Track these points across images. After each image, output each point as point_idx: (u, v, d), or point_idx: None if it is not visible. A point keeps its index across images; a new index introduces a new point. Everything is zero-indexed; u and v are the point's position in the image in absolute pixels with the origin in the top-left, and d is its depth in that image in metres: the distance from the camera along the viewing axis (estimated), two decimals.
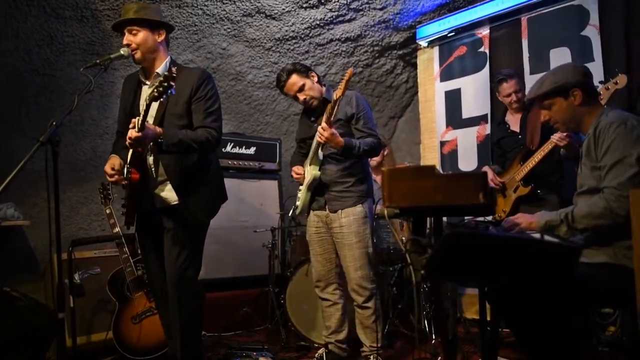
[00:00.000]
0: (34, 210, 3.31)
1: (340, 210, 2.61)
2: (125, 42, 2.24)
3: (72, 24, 3.20)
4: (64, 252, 2.68)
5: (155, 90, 1.97)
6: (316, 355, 2.78)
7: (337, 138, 2.45)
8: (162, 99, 2.02)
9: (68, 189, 3.53)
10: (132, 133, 2.03)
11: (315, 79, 2.67)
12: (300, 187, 2.71)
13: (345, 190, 2.62)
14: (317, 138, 2.51)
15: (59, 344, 2.27)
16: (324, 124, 2.43)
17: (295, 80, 2.61)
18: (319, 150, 2.58)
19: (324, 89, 2.71)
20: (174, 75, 1.94)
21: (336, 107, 2.42)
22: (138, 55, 2.26)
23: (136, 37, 2.24)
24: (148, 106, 2.05)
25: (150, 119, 2.17)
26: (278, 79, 2.67)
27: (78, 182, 3.60)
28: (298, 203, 2.73)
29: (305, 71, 2.63)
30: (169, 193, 2.29)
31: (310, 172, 2.63)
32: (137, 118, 2.04)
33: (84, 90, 2.09)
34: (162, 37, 2.32)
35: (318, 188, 2.66)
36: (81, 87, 2.52)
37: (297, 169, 2.72)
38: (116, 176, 2.22)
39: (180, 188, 2.25)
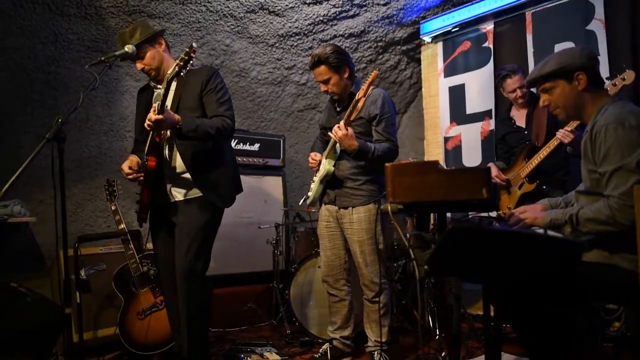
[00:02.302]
0: (40, 207, 3.33)
1: (351, 208, 2.59)
2: (139, 67, 2.35)
3: (76, 21, 3.21)
4: (70, 248, 2.71)
5: (177, 65, 2.05)
6: (320, 350, 2.79)
7: (351, 140, 2.41)
8: (182, 72, 2.07)
9: (74, 186, 3.55)
10: (152, 116, 2.08)
11: (347, 74, 2.57)
12: (315, 178, 2.70)
13: (357, 188, 2.59)
14: (332, 134, 2.48)
15: (66, 339, 2.29)
16: (340, 124, 2.42)
17: (322, 71, 2.54)
18: (336, 144, 2.55)
19: (353, 81, 2.63)
20: (195, 48, 2.03)
21: (355, 108, 2.40)
22: (154, 73, 2.39)
23: (145, 59, 2.34)
24: (167, 89, 2.14)
25: None
26: (311, 59, 2.58)
27: (84, 178, 3.62)
28: (310, 193, 2.73)
29: (337, 66, 2.52)
30: (184, 186, 2.34)
31: (324, 165, 2.61)
32: (157, 102, 2.11)
33: (88, 87, 2.11)
34: (163, 46, 2.43)
35: (331, 182, 2.65)
36: (86, 84, 2.53)
37: (314, 155, 2.70)
38: (134, 174, 2.33)
39: (197, 175, 2.31)
